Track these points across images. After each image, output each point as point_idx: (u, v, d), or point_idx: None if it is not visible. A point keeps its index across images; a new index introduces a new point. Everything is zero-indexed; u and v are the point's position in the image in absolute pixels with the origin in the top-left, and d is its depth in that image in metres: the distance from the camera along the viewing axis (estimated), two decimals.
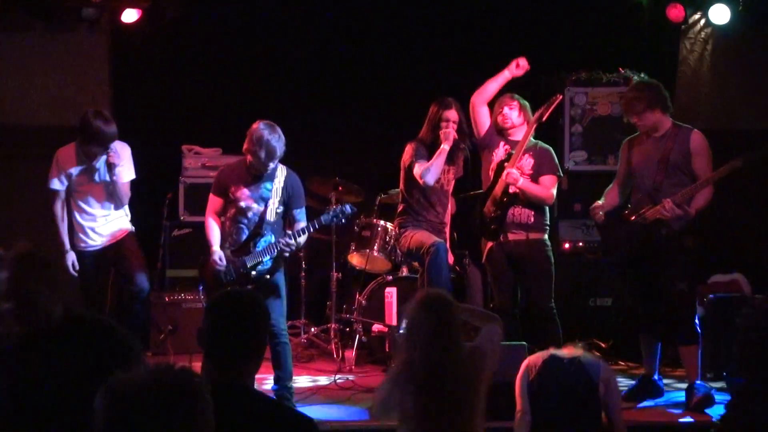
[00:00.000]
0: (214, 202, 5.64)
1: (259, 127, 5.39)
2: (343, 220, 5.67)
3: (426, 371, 3.25)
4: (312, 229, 5.52)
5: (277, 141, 5.36)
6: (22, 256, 3.09)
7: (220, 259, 5.45)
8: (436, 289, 3.48)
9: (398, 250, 6.51)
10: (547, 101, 5.80)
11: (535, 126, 5.81)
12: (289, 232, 5.49)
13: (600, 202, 5.77)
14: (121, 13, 7.45)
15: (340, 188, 7.07)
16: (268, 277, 5.50)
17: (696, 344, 5.52)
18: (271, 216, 5.49)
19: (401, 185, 6.06)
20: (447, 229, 6.11)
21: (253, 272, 5.48)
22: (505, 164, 5.79)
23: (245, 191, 5.49)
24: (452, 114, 5.79)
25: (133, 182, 6.23)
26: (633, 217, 5.53)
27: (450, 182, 5.99)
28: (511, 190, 5.77)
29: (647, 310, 5.60)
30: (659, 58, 7.71)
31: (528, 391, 4.14)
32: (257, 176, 5.48)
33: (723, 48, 7.89)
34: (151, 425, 1.64)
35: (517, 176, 5.72)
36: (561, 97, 5.99)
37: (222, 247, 5.56)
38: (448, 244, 6.05)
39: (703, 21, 7.83)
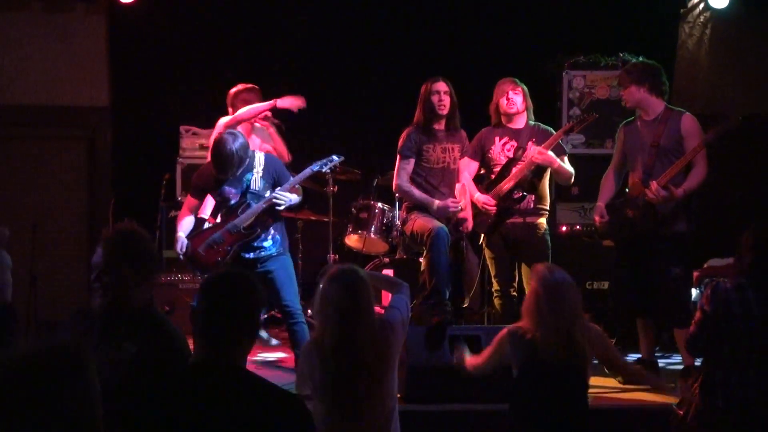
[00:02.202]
0: (190, 202, 5.72)
1: (214, 142, 5.49)
2: (331, 166, 5.85)
3: (335, 343, 3.32)
4: (304, 177, 5.64)
5: (227, 159, 5.33)
6: (116, 235, 3.21)
7: (182, 248, 5.55)
8: (348, 264, 3.57)
9: (404, 234, 6.48)
10: (582, 117, 5.92)
11: (561, 137, 5.83)
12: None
13: (599, 203, 5.81)
14: None
15: (338, 169, 7.06)
16: (274, 254, 5.57)
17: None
18: (255, 188, 5.55)
19: None
20: (463, 204, 6.00)
21: (245, 230, 5.50)
22: (539, 147, 5.78)
23: (230, 189, 5.56)
24: (441, 85, 5.78)
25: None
26: (627, 210, 5.63)
27: (456, 160, 5.93)
28: (556, 165, 5.79)
29: (643, 294, 5.63)
30: (658, 42, 7.69)
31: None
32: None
33: (722, 32, 7.88)
34: (27, 399, 1.79)
35: (553, 157, 5.75)
36: (597, 116, 6.01)
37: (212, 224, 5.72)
38: (470, 215, 5.95)
39: (702, 5, 7.82)
